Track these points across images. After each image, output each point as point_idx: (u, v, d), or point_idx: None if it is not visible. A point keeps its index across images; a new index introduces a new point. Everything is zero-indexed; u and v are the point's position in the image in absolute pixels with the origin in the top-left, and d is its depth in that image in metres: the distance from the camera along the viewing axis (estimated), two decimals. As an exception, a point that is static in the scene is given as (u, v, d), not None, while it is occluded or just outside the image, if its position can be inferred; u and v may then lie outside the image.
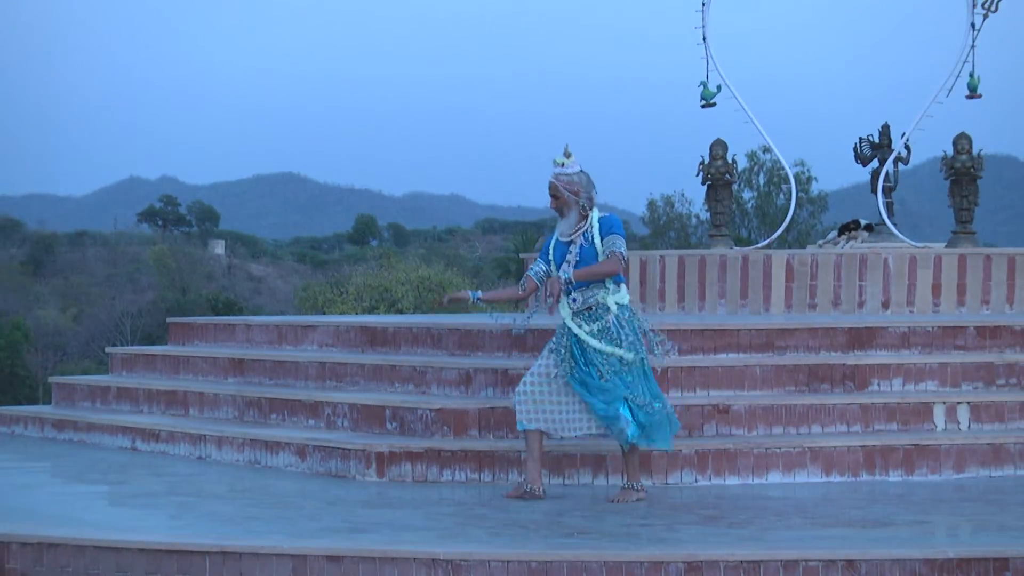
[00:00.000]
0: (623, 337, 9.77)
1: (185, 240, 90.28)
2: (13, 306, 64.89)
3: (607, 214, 9.95)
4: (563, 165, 9.90)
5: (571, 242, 9.91)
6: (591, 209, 9.88)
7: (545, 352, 10.01)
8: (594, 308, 9.81)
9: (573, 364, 9.78)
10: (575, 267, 9.83)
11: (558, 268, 9.94)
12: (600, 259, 9.77)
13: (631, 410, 9.74)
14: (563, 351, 9.84)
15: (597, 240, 9.80)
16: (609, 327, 9.77)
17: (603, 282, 9.82)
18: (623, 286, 9.92)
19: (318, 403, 12.09)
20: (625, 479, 9.96)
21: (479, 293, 10.23)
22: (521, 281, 10.18)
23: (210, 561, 8.09)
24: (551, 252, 10.03)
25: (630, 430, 9.73)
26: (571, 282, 9.77)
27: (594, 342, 9.73)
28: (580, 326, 9.79)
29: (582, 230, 9.87)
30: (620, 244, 9.78)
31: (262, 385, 13.20)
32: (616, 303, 9.83)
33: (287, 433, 11.85)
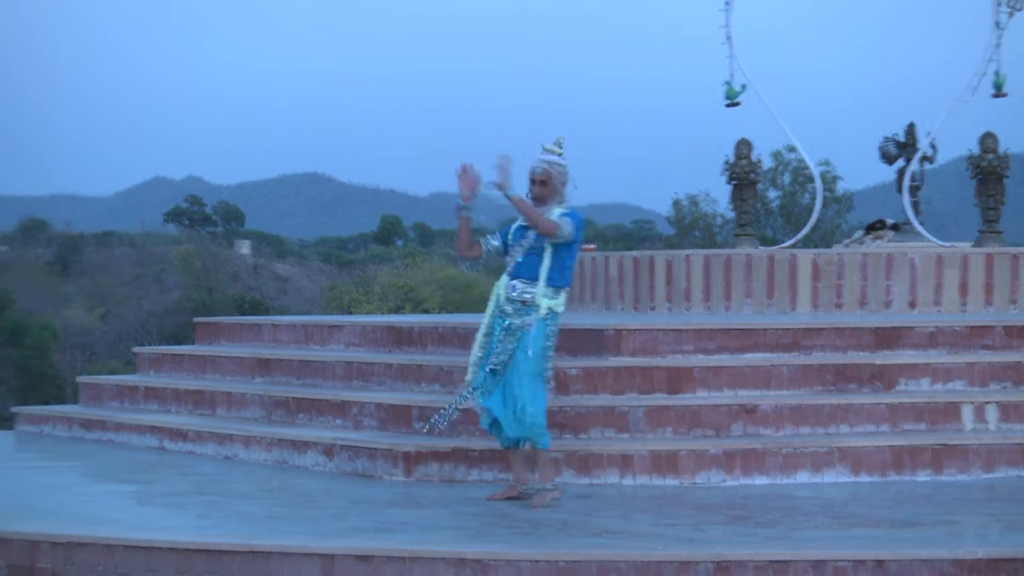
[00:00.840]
0: (536, 343, 9.58)
1: (211, 240, 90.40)
2: (41, 306, 65.14)
3: (571, 210, 9.67)
4: (560, 155, 9.72)
5: (531, 229, 9.65)
6: (562, 204, 9.66)
7: (481, 339, 9.80)
8: (528, 303, 9.61)
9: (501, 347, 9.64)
10: (527, 253, 9.61)
11: (510, 249, 9.73)
12: (553, 249, 9.58)
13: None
14: (497, 332, 9.69)
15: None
16: (530, 329, 9.57)
17: (546, 281, 9.59)
18: (563, 294, 9.73)
19: (345, 403, 12.10)
20: (521, 484, 9.90)
21: (469, 209, 9.85)
22: (479, 240, 9.90)
23: (239, 561, 8.10)
24: (510, 234, 9.78)
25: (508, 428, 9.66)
26: (503, 189, 9.57)
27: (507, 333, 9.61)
28: (511, 316, 9.61)
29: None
30: (569, 225, 9.51)
31: (289, 385, 13.21)
32: (549, 308, 9.61)
33: (314, 433, 11.86)
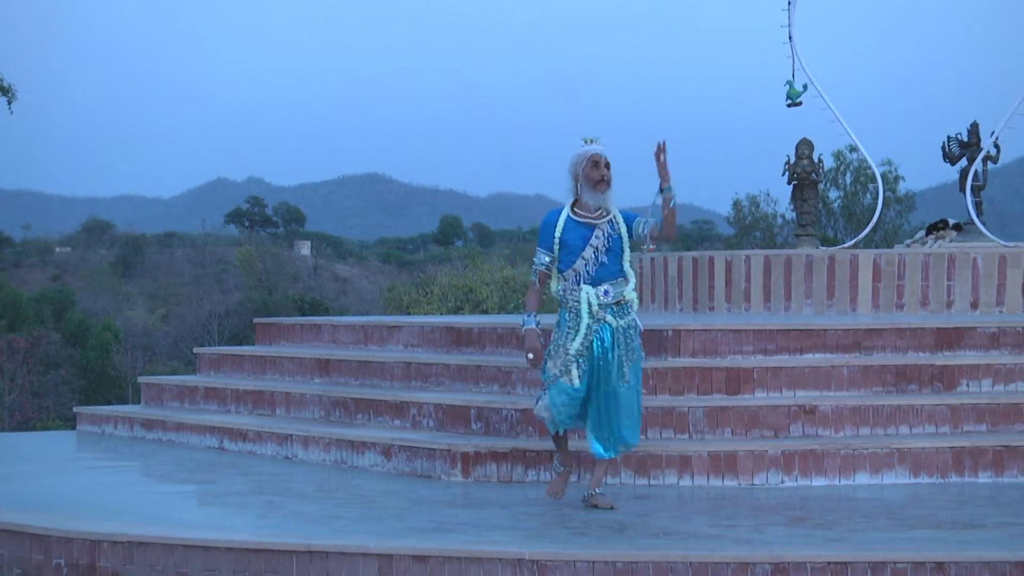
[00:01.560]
0: (637, 338, 9.52)
1: (271, 241, 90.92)
2: (103, 307, 65.71)
3: (622, 210, 9.45)
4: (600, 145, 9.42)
5: (594, 227, 9.35)
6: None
7: (559, 360, 9.45)
8: (623, 303, 9.40)
9: (604, 365, 9.38)
10: (606, 254, 9.31)
11: (572, 250, 9.33)
12: (627, 245, 9.39)
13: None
14: (593, 351, 9.38)
15: (623, 230, 9.37)
16: (635, 325, 9.46)
17: (627, 276, 9.41)
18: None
19: (404, 403, 12.13)
20: (596, 486, 9.62)
21: (533, 320, 9.59)
22: (533, 281, 9.57)
23: (297, 560, 8.13)
24: (558, 236, 9.37)
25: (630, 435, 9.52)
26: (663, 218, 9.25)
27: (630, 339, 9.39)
28: (612, 319, 9.36)
29: (607, 218, 9.35)
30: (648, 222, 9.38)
31: (348, 385, 13.26)
32: (635, 300, 9.50)
33: (373, 433, 11.90)
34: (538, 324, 9.56)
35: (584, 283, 9.37)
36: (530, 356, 9.51)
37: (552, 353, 9.50)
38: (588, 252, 9.35)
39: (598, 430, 9.48)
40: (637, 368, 9.46)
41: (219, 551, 8.31)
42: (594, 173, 9.32)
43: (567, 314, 9.44)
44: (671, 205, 9.30)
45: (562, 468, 9.80)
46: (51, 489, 10.83)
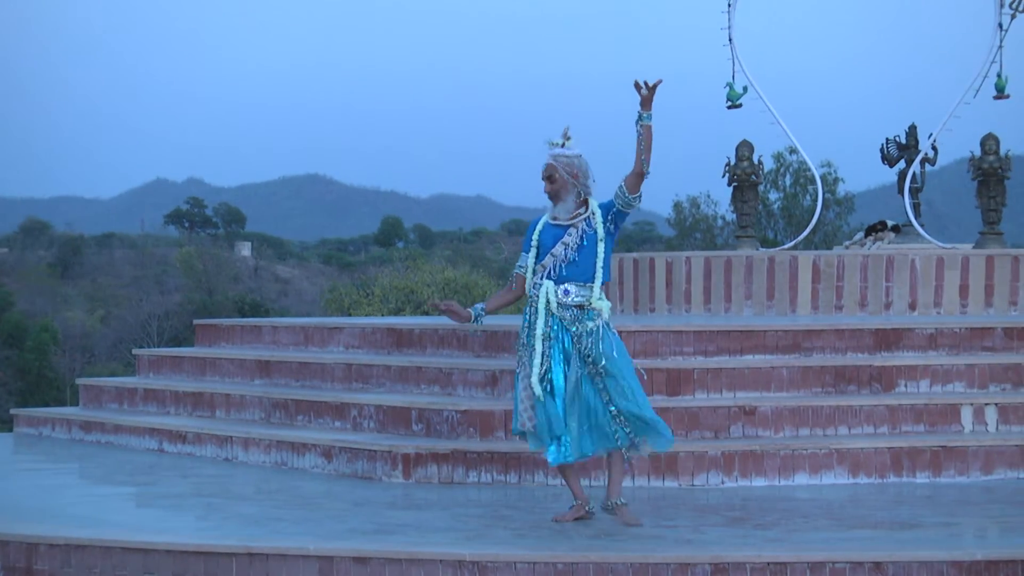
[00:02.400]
0: (613, 344, 8.95)
1: (212, 242, 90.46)
2: (41, 308, 65.16)
3: (608, 202, 9.06)
4: (562, 146, 9.04)
5: (568, 226, 9.01)
6: (590, 196, 9.05)
7: (529, 364, 9.03)
8: (586, 309, 8.95)
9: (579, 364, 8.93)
10: (577, 252, 8.93)
11: (546, 251, 9.01)
12: (602, 245, 8.97)
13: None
14: (554, 354, 8.97)
15: (599, 226, 8.97)
16: (596, 332, 8.91)
17: (594, 284, 8.96)
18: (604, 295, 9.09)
19: (344, 404, 12.11)
20: (615, 496, 9.05)
21: (481, 306, 9.19)
22: (510, 281, 9.29)
23: (237, 562, 8.11)
24: (536, 238, 9.10)
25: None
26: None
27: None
28: (571, 324, 8.94)
29: (583, 216, 8.99)
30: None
31: (288, 387, 13.22)
32: (607, 309, 9.02)
33: (313, 435, 11.87)
34: (480, 313, 9.15)
35: (548, 278, 9.00)
36: (441, 306, 9.12)
37: (520, 360, 9.14)
38: (558, 248, 8.98)
39: (583, 433, 8.94)
40: (615, 372, 8.87)
41: (158, 553, 8.27)
42: (545, 186, 9.10)
43: (527, 309, 9.11)
44: (643, 124, 8.97)
45: (576, 501, 9.15)
46: (-12, 492, 10.75)
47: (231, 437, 12.44)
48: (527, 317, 9.11)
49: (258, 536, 8.58)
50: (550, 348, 8.99)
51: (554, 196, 9.07)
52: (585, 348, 8.91)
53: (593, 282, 8.99)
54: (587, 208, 9.05)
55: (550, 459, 9.02)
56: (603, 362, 8.88)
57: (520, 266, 9.22)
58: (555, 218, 9.08)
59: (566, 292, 8.97)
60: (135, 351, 16.06)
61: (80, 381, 15.70)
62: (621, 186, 9.02)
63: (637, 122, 8.99)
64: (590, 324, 8.95)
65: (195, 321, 16.18)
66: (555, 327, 8.99)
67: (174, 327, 57.15)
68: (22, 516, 9.39)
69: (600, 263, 9.02)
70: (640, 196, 8.99)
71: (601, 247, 9.01)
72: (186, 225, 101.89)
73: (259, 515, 9.55)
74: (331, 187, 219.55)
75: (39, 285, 72.43)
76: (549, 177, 9.06)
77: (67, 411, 15.22)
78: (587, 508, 9.12)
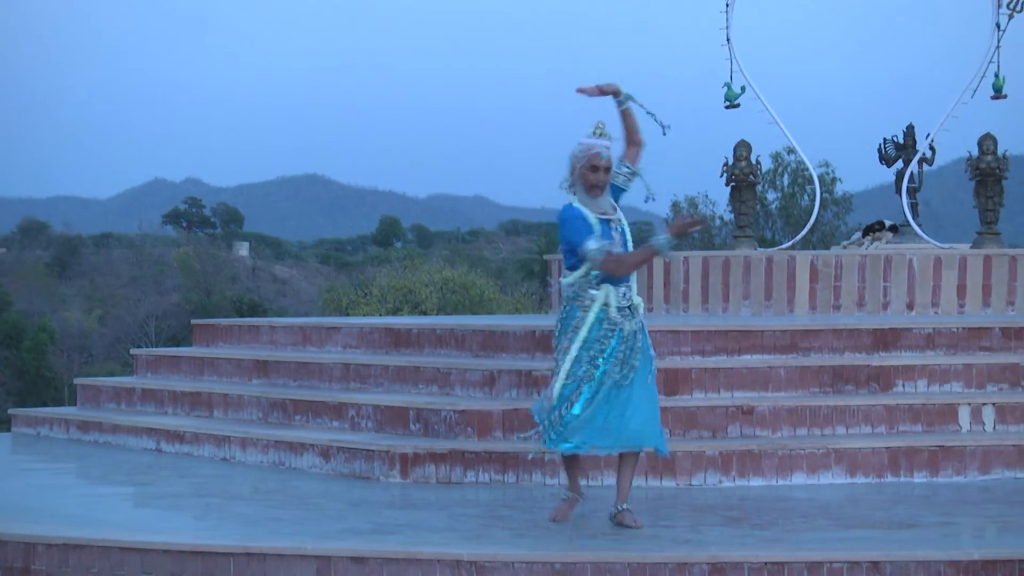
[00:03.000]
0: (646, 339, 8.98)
1: (210, 242, 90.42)
2: (39, 308, 65.15)
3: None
4: (610, 140, 8.83)
5: (611, 223, 8.81)
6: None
7: (582, 362, 8.77)
8: (633, 306, 8.88)
9: (625, 367, 8.80)
10: (623, 249, 8.78)
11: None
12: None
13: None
14: (617, 353, 8.80)
15: (627, 229, 8.89)
16: (643, 328, 8.95)
17: (632, 282, 8.91)
18: None
19: (342, 404, 12.11)
20: (622, 501, 8.96)
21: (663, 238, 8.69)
22: (606, 256, 8.65)
23: (234, 562, 8.11)
24: (597, 229, 8.72)
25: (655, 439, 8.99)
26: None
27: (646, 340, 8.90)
28: (623, 322, 8.80)
29: (616, 215, 8.87)
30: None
31: (286, 387, 13.22)
32: (642, 305, 9.00)
33: (311, 435, 11.87)
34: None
35: (606, 283, 8.77)
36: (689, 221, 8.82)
37: (569, 355, 8.80)
38: (600, 243, 8.69)
39: (604, 431, 8.81)
40: (646, 370, 8.89)
41: (156, 553, 8.27)
42: (591, 176, 8.75)
43: (578, 311, 8.81)
44: (624, 107, 8.91)
45: (569, 494, 9.13)
46: (-15, 492, 10.75)
47: (229, 437, 12.44)
48: (569, 319, 8.85)
49: (256, 536, 8.58)
50: (597, 351, 8.80)
51: (602, 188, 8.79)
52: (629, 346, 8.82)
53: (633, 280, 8.94)
54: (616, 211, 8.91)
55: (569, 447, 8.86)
56: (644, 358, 8.88)
57: (598, 247, 8.67)
58: (604, 213, 8.81)
59: (625, 294, 8.88)
60: (133, 351, 16.05)
61: (78, 381, 15.69)
62: (624, 163, 8.91)
63: (621, 105, 8.94)
64: (636, 319, 8.89)
65: (193, 321, 16.18)
66: (602, 330, 8.79)
67: (172, 327, 57.15)
68: (20, 516, 9.39)
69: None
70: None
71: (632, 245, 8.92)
72: (184, 225, 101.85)
73: (257, 515, 9.55)
74: (329, 187, 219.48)
75: (37, 285, 72.43)
76: (608, 167, 8.77)
77: (65, 411, 15.22)
78: (576, 500, 9.10)
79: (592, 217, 8.75)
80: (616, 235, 8.81)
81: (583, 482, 9.62)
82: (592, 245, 8.67)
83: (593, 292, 8.79)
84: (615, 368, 8.77)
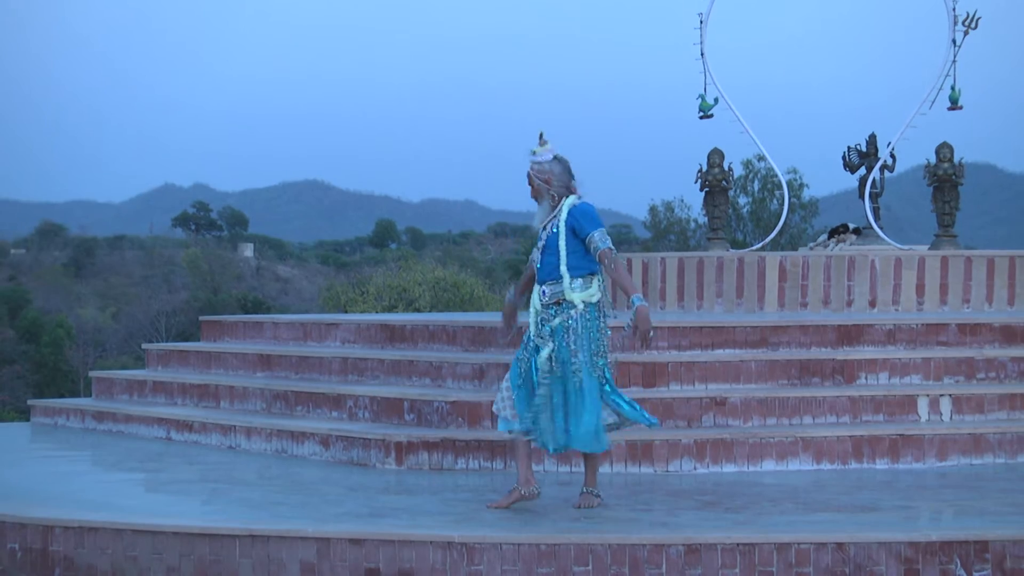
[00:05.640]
0: (580, 339, 8.76)
1: (216, 243, 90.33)
2: (56, 305, 65.04)
3: (580, 203, 8.82)
4: (535, 153, 8.87)
5: (542, 230, 8.87)
6: (562, 198, 8.82)
7: (521, 351, 8.96)
8: (562, 303, 8.76)
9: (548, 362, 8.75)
10: (543, 254, 8.78)
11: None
12: (564, 244, 8.73)
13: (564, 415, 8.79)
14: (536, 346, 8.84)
15: (562, 228, 8.72)
16: (570, 327, 8.74)
17: (570, 277, 8.73)
18: (595, 280, 8.85)
19: (341, 396, 12.09)
20: (589, 485, 9.01)
21: (510, 293, 9.17)
22: (526, 270, 9.05)
23: (240, 544, 8.09)
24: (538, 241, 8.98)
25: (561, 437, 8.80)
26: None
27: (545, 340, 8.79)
28: (544, 321, 8.80)
29: (552, 218, 8.84)
30: (604, 240, 8.73)
31: (288, 379, 13.20)
32: (583, 301, 8.77)
33: (312, 424, 11.85)
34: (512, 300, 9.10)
35: (536, 283, 8.91)
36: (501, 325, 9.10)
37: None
38: (534, 253, 8.97)
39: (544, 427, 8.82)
40: (580, 368, 8.73)
41: (166, 536, 8.25)
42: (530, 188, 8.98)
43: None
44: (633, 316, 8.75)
45: (515, 486, 8.97)
46: (6, 478, 10.71)
47: (234, 426, 12.42)
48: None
49: (260, 519, 8.57)
50: (534, 346, 8.88)
51: (537, 200, 8.93)
52: (562, 338, 8.75)
53: (560, 276, 8.77)
54: (556, 210, 8.87)
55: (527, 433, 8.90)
56: (568, 357, 8.73)
57: (531, 262, 9.06)
58: (539, 222, 8.95)
59: (543, 293, 8.86)
60: (144, 346, 16.01)
61: (93, 374, 15.66)
62: (602, 254, 8.75)
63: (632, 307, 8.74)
64: (557, 320, 8.78)
65: (201, 318, 16.15)
66: (541, 326, 8.85)
67: (181, 323, 57.08)
68: (38, 501, 9.37)
69: (563, 260, 8.76)
70: (610, 256, 8.79)
71: (563, 243, 8.76)
72: (192, 228, 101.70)
73: (261, 499, 9.53)
74: (329, 192, 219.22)
75: (54, 284, 72.30)
76: (529, 184, 8.93)
77: (81, 402, 15.17)
78: (529, 491, 8.91)
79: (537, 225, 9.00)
80: (541, 241, 8.92)
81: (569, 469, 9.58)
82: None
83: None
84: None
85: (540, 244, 8.91)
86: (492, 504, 8.99)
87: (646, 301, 8.82)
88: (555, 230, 8.82)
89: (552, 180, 8.85)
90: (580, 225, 8.77)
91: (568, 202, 8.84)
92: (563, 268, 8.77)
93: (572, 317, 8.78)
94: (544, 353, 8.80)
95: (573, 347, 8.76)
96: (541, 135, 8.98)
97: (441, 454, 10.86)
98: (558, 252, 8.79)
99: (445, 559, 7.81)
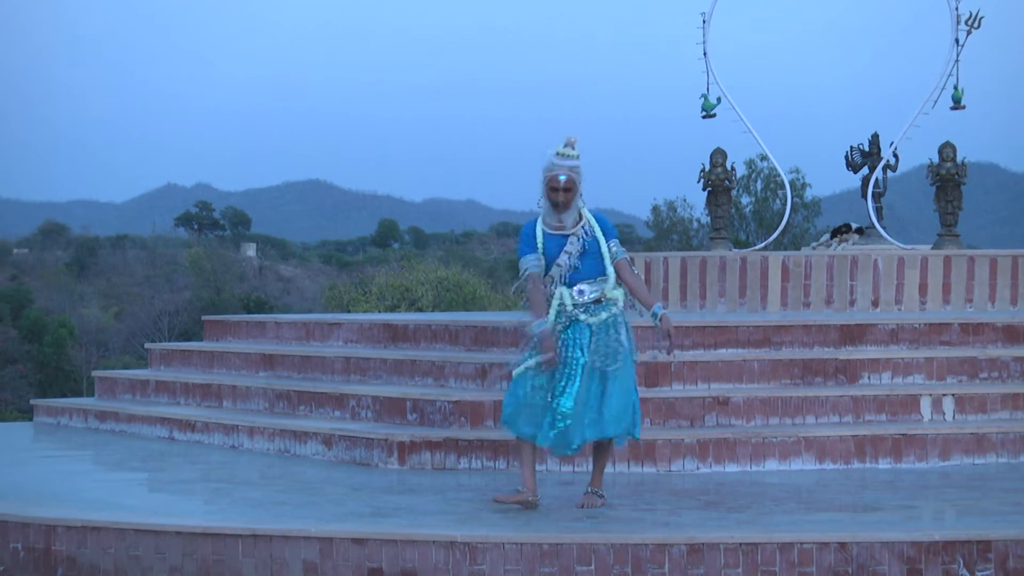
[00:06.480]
0: (627, 332, 9.00)
1: (219, 243, 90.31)
2: (59, 305, 65.05)
3: (594, 211, 9.00)
4: (567, 157, 8.82)
5: (568, 235, 8.87)
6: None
7: (531, 358, 8.91)
8: (603, 301, 8.91)
9: (582, 356, 8.81)
10: (580, 259, 8.84)
11: (551, 261, 8.87)
12: (604, 246, 8.89)
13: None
14: (568, 349, 8.84)
15: (599, 235, 8.90)
16: (614, 321, 8.93)
17: (607, 277, 8.91)
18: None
19: (343, 395, 12.10)
20: (593, 485, 9.08)
21: (545, 323, 8.84)
22: (533, 282, 8.89)
23: (242, 544, 8.10)
24: (541, 245, 8.91)
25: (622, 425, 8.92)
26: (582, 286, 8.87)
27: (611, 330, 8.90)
28: (587, 317, 8.85)
29: (581, 225, 8.89)
30: (621, 250, 9.00)
31: (291, 379, 13.20)
32: (622, 297, 9.01)
33: (314, 424, 11.86)
34: (547, 325, 8.87)
35: (561, 285, 8.90)
36: (549, 355, 8.81)
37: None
38: (563, 259, 8.86)
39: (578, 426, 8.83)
40: (625, 362, 8.93)
41: (168, 535, 8.26)
42: (551, 195, 8.84)
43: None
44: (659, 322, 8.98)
45: (520, 488, 8.99)
46: (9, 477, 10.72)
47: (237, 426, 12.42)
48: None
49: (262, 519, 8.58)
50: (563, 344, 8.88)
51: (565, 206, 8.87)
52: (606, 333, 8.90)
53: (606, 276, 8.95)
54: (582, 216, 8.94)
55: (544, 444, 8.89)
56: (620, 345, 8.94)
57: (532, 263, 8.94)
58: (558, 227, 8.90)
59: (580, 292, 8.92)
60: (147, 345, 16.03)
61: (95, 373, 15.68)
62: (621, 263, 9.00)
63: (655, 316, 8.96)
64: (604, 315, 8.93)
65: (203, 317, 16.17)
66: (569, 326, 8.90)
67: (184, 323, 57.08)
68: (41, 500, 9.38)
69: (607, 263, 8.95)
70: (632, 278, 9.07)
71: (604, 249, 8.93)
72: (195, 227, 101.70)
73: (263, 499, 9.54)
74: (331, 192, 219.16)
75: (57, 284, 72.30)
76: (567, 189, 8.83)
77: (83, 401, 15.19)
78: (534, 500, 8.92)
79: (541, 234, 8.93)
80: (572, 247, 8.89)
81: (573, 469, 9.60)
82: (522, 263, 9.01)
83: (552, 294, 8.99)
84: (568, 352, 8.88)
85: (572, 248, 8.89)
86: (499, 496, 9.04)
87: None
88: (590, 238, 8.93)
89: (580, 185, 8.92)
90: (606, 230, 8.99)
91: (583, 208, 8.96)
92: (609, 269, 8.96)
93: (616, 313, 8.99)
94: (576, 351, 8.84)
95: (622, 339, 8.94)
96: (574, 140, 8.93)
97: (444, 454, 10.87)
98: (600, 254, 8.94)
99: (448, 559, 7.82)
